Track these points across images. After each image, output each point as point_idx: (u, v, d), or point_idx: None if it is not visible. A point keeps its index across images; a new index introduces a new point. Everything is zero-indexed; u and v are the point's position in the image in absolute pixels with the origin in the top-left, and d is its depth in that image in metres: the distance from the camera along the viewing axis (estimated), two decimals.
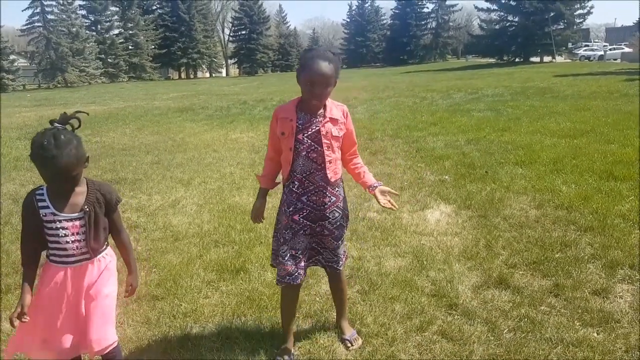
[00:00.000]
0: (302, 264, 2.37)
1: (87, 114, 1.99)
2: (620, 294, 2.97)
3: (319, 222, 2.36)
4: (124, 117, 13.95)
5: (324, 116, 2.26)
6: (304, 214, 2.32)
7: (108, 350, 1.97)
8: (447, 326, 2.68)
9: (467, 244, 3.81)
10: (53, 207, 1.88)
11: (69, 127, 1.90)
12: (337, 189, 2.38)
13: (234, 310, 2.91)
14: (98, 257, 1.99)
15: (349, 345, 2.53)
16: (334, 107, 2.31)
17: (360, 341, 2.56)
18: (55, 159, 1.76)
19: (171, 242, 4.08)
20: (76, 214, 1.90)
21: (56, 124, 1.86)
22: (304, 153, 2.26)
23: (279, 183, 2.49)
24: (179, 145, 8.88)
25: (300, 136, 2.24)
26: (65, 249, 1.90)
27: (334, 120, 2.27)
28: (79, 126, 1.94)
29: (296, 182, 2.30)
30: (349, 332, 2.59)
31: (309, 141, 2.25)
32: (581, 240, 3.74)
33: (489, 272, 3.29)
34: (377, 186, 2.38)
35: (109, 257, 2.06)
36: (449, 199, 4.94)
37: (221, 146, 8.67)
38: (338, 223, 2.41)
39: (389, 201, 2.34)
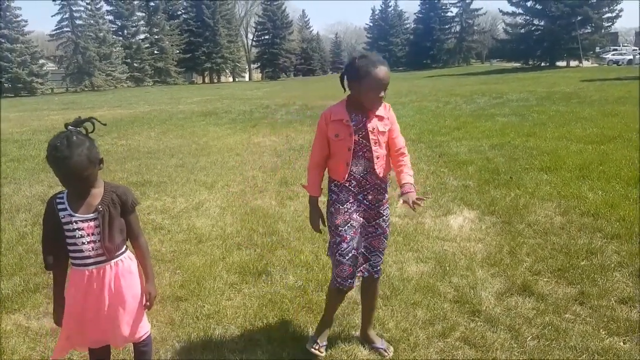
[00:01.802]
0: (360, 264, 2.40)
1: (104, 124, 1.99)
2: None
3: (373, 221, 2.39)
4: (149, 120, 14.24)
5: (370, 114, 2.31)
6: (361, 212, 2.36)
7: (142, 338, 2.11)
8: (469, 333, 2.66)
9: (490, 250, 3.77)
10: (70, 209, 1.91)
11: (82, 130, 1.94)
12: (385, 185, 2.41)
13: (256, 313, 2.95)
14: (116, 260, 1.99)
15: (385, 354, 2.51)
16: None
17: (392, 349, 2.56)
18: (67, 160, 1.80)
19: (195, 244, 4.16)
20: (91, 215, 1.92)
21: (70, 127, 1.90)
22: (360, 153, 2.30)
23: (323, 188, 2.49)
24: (203, 149, 9.03)
25: (356, 137, 2.29)
26: (82, 251, 1.92)
27: (379, 117, 2.33)
28: (93, 130, 1.96)
29: (354, 182, 2.33)
30: (379, 341, 2.58)
31: (363, 141, 2.30)
32: (607, 248, 3.66)
33: (512, 279, 3.25)
34: (405, 192, 2.29)
35: (127, 259, 2.05)
36: (472, 205, 4.90)
37: (244, 150, 8.78)
38: (388, 220, 2.46)
39: (413, 204, 2.24)
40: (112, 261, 1.98)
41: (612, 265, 3.38)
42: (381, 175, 2.35)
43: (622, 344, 2.52)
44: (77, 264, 1.96)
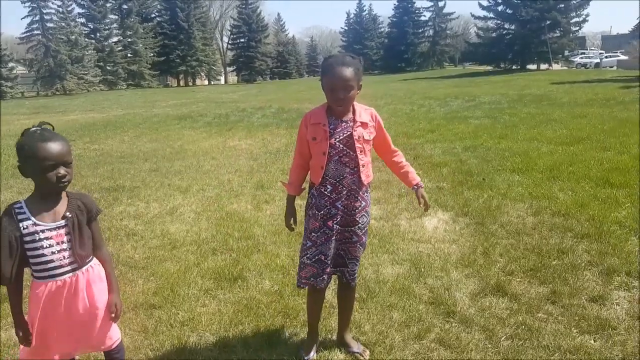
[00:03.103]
0: (328, 269, 2.39)
1: (52, 126, 1.91)
2: (617, 300, 2.97)
3: (348, 228, 2.38)
4: (123, 124, 13.96)
5: (354, 120, 2.29)
6: (337, 219, 2.34)
7: (114, 345, 2.06)
8: (444, 334, 2.68)
9: (464, 251, 3.82)
10: (34, 218, 1.81)
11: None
12: (366, 193, 2.41)
13: (232, 319, 2.91)
14: (86, 267, 1.92)
15: (361, 358, 2.52)
16: (363, 111, 2.34)
17: (368, 352, 2.56)
18: (57, 138, 1.78)
19: (169, 250, 4.08)
20: (59, 222, 1.84)
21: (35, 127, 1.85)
22: (336, 157, 2.29)
23: (304, 189, 2.50)
24: (178, 153, 8.90)
25: (332, 141, 2.27)
26: (52, 261, 1.83)
27: (364, 124, 2.31)
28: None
29: (329, 187, 2.32)
30: (356, 345, 2.58)
31: (341, 145, 2.28)
32: (578, 247, 3.75)
33: (486, 280, 3.30)
34: (420, 187, 2.50)
35: (97, 266, 1.99)
36: (446, 206, 4.95)
37: (219, 153, 8.68)
38: (365, 228, 2.45)
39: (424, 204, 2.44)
40: (84, 268, 1.92)
41: (583, 264, 3.46)
42: (366, 182, 2.35)
43: (592, 342, 2.58)
44: (43, 277, 1.85)
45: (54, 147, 1.78)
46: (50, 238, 1.82)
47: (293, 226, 2.49)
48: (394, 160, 2.51)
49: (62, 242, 1.84)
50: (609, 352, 2.47)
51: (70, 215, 1.85)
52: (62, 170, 1.79)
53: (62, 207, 1.86)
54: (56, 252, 1.83)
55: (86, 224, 1.93)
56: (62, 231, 1.84)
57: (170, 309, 3.06)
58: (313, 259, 2.36)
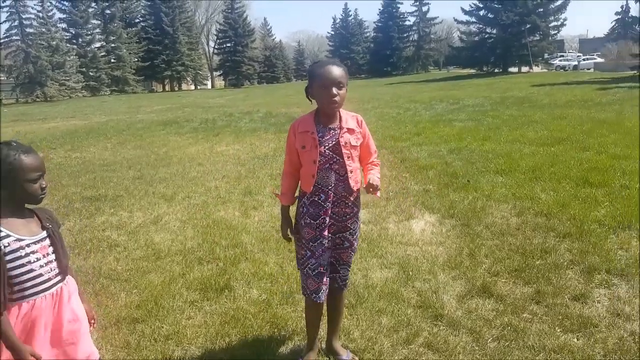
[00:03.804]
0: (326, 279, 2.38)
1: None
2: (598, 298, 3.03)
3: (340, 234, 2.38)
4: (106, 131, 13.80)
5: (341, 127, 2.29)
6: (331, 226, 2.34)
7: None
8: (433, 338, 2.70)
9: (451, 253, 3.86)
10: (15, 234, 1.73)
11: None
12: (357, 199, 2.41)
13: (218, 331, 2.86)
14: (66, 279, 1.89)
15: None
16: (349, 118, 2.35)
17: (357, 359, 2.56)
18: (33, 151, 1.76)
19: (153, 261, 4.01)
20: (42, 234, 1.80)
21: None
22: (326, 165, 2.28)
23: (299, 196, 2.47)
24: (163, 159, 8.81)
25: (321, 149, 2.26)
26: (41, 275, 1.77)
27: (350, 130, 2.31)
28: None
29: (322, 195, 2.30)
30: (345, 353, 2.57)
31: (330, 153, 2.28)
32: (560, 247, 3.82)
33: (472, 281, 3.33)
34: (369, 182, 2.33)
35: (71, 277, 1.96)
36: (433, 209, 4.99)
37: (206, 159, 8.63)
38: (356, 234, 2.45)
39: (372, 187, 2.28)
40: (65, 279, 1.88)
41: (565, 263, 3.52)
42: (355, 188, 2.35)
43: (575, 340, 2.62)
44: (30, 294, 1.76)
45: (38, 157, 1.78)
46: (37, 251, 1.76)
47: (290, 236, 2.47)
48: (367, 165, 2.47)
49: (48, 254, 1.80)
50: (591, 350, 2.51)
51: (50, 226, 1.83)
52: (43, 181, 1.79)
53: (34, 220, 1.82)
54: (44, 264, 1.78)
55: None
56: (46, 242, 1.80)
57: (154, 322, 2.99)
58: (314, 272, 2.33)
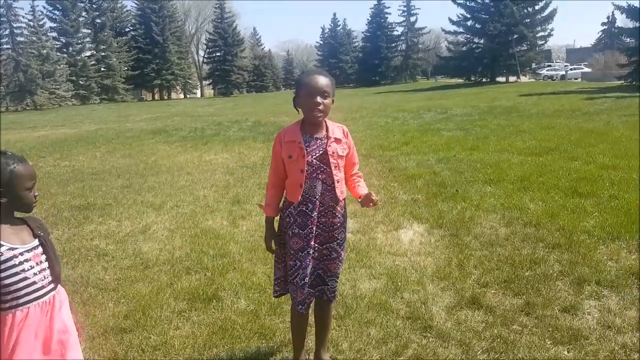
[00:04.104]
0: (311, 291, 2.36)
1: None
2: (588, 310, 3.03)
3: (327, 244, 2.36)
4: (95, 139, 13.69)
5: (328, 137, 2.29)
6: (318, 237, 2.32)
7: None
8: (422, 350, 2.67)
9: (439, 264, 3.84)
10: (7, 243, 1.75)
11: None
12: (344, 209, 2.40)
13: (206, 342, 2.83)
14: (57, 287, 1.89)
15: None
16: (335, 128, 2.34)
17: None
18: (26, 160, 1.78)
19: (141, 271, 3.97)
20: (34, 242, 1.81)
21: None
22: (314, 174, 2.27)
23: (283, 207, 2.44)
24: (151, 168, 8.75)
25: (308, 158, 2.25)
26: (34, 283, 1.78)
27: (337, 140, 2.31)
28: None
29: (310, 205, 2.29)
30: None
31: (317, 162, 2.27)
32: (549, 258, 3.82)
33: (461, 292, 3.32)
34: (364, 194, 2.33)
35: (60, 286, 1.95)
36: (421, 219, 4.99)
37: (195, 168, 8.58)
38: (344, 244, 2.43)
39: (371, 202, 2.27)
40: (57, 288, 1.89)
41: (554, 274, 3.52)
42: (341, 198, 2.34)
43: (566, 352, 2.61)
44: (25, 302, 1.76)
45: (31, 166, 1.82)
46: (30, 259, 1.78)
47: (274, 248, 2.45)
48: (352, 177, 2.46)
49: (41, 262, 1.81)
50: None
51: (42, 234, 1.84)
52: (35, 190, 1.83)
53: (25, 229, 1.83)
54: (37, 272, 1.79)
55: None
56: (38, 251, 1.81)
57: (141, 332, 2.96)
58: (301, 282, 2.31)
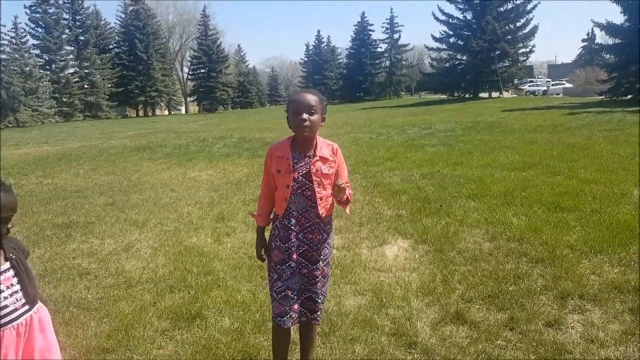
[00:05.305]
0: (296, 306, 2.35)
1: None
2: (572, 324, 3.05)
3: (314, 263, 2.37)
4: (78, 157, 13.52)
5: (315, 155, 2.32)
6: (301, 251, 2.34)
7: None
8: None
9: (424, 279, 3.85)
10: None
11: None
12: (328, 226, 2.42)
13: None
14: (36, 306, 1.87)
15: None
16: (324, 146, 2.37)
17: None
18: (11, 190, 1.77)
19: (124, 289, 3.91)
20: (5, 266, 1.79)
21: None
22: (299, 191, 2.30)
23: (272, 219, 2.48)
24: (135, 185, 8.66)
25: (295, 174, 2.29)
26: (6, 306, 1.77)
27: (323, 159, 2.33)
28: None
29: (292, 219, 2.32)
30: None
31: (302, 179, 2.30)
32: (533, 272, 3.85)
33: (446, 308, 3.32)
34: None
35: (41, 304, 1.94)
36: (406, 234, 5.01)
37: (179, 185, 8.52)
38: (328, 260, 2.44)
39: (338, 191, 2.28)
40: (35, 307, 1.86)
41: (538, 288, 3.55)
42: (323, 215, 2.36)
43: None
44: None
45: (14, 197, 1.79)
46: (0, 283, 1.76)
47: (264, 256, 2.48)
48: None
49: (12, 285, 1.79)
50: None
51: (14, 257, 1.81)
52: (11, 222, 1.81)
53: None
54: (8, 296, 1.77)
55: None
56: (9, 274, 1.79)
57: (124, 352, 2.91)
58: (281, 294, 2.32)
